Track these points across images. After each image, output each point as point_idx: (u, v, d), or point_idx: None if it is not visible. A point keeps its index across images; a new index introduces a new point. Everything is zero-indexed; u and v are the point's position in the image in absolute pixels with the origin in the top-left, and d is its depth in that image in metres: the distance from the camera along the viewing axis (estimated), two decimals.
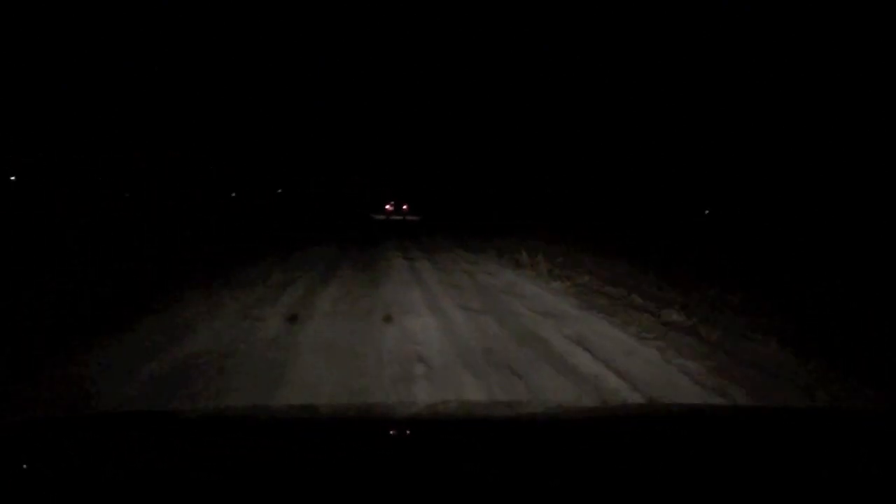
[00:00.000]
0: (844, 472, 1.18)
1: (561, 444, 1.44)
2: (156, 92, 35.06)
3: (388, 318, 7.03)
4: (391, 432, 1.63)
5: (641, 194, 34.59)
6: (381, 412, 2.21)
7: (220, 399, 4.15)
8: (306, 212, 45.38)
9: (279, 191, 67.54)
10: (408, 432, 1.60)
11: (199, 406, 3.92)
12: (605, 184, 36.44)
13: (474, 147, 46.31)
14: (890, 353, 5.67)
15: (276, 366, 5.00)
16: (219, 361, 5.05)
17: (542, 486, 1.12)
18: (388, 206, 61.74)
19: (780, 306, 8.32)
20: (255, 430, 1.56)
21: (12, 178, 36.40)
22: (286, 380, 4.65)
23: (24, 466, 1.18)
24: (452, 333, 6.40)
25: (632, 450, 1.38)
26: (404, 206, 61.73)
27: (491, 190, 46.57)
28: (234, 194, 58.07)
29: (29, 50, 27.20)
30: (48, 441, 1.33)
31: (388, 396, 4.37)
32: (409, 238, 23.91)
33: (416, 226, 34.53)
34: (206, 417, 1.87)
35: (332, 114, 58.86)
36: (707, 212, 34.60)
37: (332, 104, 59.06)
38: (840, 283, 10.41)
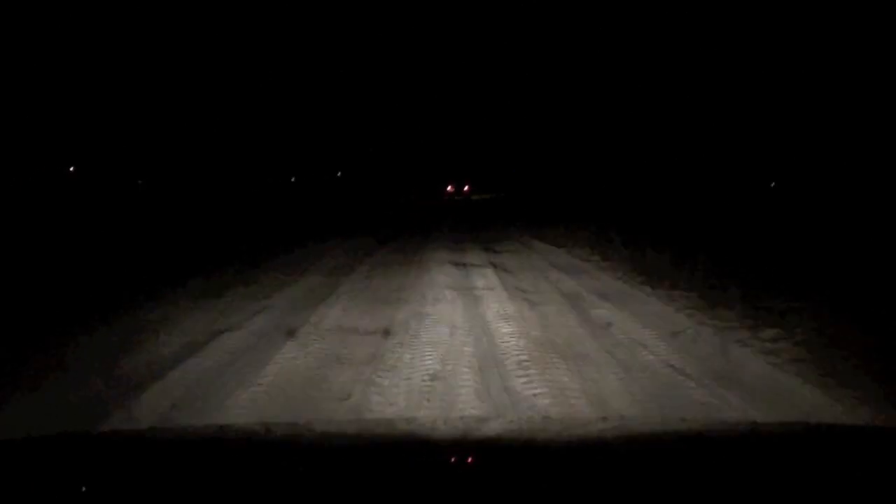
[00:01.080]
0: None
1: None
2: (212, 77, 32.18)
3: None
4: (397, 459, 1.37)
5: (705, 168, 32.28)
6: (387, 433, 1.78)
7: None
8: (361, 195, 41.16)
9: (338, 174, 64.13)
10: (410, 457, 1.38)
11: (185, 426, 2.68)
12: (667, 159, 33.82)
13: (548, 130, 42.32)
14: None
15: None
16: None
17: None
18: (448, 188, 59.51)
19: None
20: (260, 451, 1.42)
21: (71, 168, 33.26)
22: None
23: None
24: None
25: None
26: (465, 188, 59.19)
27: (561, 173, 42.40)
28: (293, 179, 55.04)
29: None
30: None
31: None
32: (472, 224, 18.38)
33: (484, 208, 29.24)
34: (201, 438, 1.61)
35: (401, 96, 55.31)
36: (773, 184, 32.52)
37: (402, 86, 55.46)
38: None
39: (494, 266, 8.82)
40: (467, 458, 1.40)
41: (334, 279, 7.58)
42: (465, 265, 8.96)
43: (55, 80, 24.98)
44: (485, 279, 7.71)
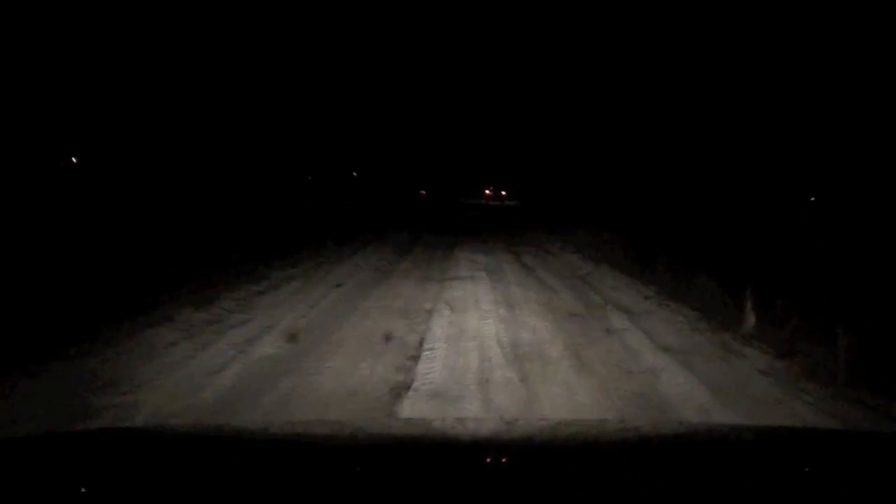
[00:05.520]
0: (854, 495, 1.15)
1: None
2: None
3: None
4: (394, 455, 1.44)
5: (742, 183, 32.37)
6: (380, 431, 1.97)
7: None
8: (375, 199, 40.78)
9: (354, 174, 67.06)
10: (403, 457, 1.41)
11: (198, 424, 3.26)
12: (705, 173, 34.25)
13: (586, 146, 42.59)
14: None
15: None
16: None
17: None
18: (486, 192, 64.11)
19: None
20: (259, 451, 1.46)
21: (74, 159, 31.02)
22: None
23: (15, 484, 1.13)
24: None
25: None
26: (503, 192, 64.10)
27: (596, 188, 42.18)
28: (309, 177, 57.93)
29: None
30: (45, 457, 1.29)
31: None
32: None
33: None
34: (206, 436, 1.67)
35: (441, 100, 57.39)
36: (812, 199, 30.86)
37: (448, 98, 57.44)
38: None
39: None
40: (473, 460, 1.41)
41: None
42: None
43: (60, 76, 23.56)
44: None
